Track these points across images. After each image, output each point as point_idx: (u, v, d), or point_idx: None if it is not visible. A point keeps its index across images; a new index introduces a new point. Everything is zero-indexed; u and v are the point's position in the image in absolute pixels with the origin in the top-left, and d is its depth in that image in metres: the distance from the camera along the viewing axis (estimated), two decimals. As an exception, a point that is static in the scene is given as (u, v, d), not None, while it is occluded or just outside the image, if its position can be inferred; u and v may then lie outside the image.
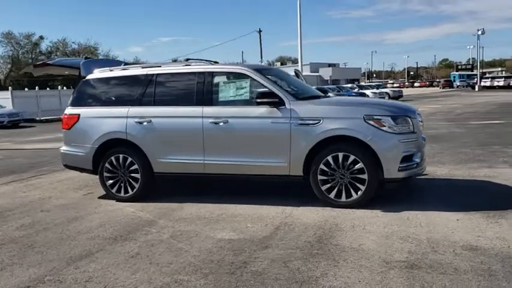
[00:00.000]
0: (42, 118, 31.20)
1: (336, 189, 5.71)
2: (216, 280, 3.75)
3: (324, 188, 5.75)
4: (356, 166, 5.58)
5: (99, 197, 6.97)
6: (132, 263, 4.22)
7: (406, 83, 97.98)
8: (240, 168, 6.10)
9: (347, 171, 5.63)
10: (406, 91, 53.27)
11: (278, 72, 6.73)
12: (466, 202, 5.71)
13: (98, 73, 6.97)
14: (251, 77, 6.13)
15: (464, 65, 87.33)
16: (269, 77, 6.21)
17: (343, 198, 5.69)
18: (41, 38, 65.77)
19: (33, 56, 63.71)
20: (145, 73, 6.63)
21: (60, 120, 7.69)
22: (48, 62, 7.20)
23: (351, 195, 5.65)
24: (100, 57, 66.43)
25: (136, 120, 6.43)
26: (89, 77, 6.94)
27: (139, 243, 4.75)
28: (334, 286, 3.55)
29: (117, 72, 6.90)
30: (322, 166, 5.71)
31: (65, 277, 3.96)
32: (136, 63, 7.53)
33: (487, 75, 67.94)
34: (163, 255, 4.39)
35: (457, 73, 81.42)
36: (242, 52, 74.83)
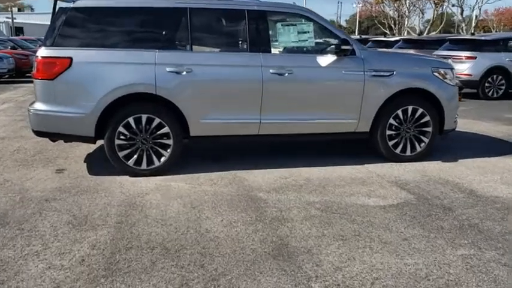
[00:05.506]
0: None
1: (401, 144, 5.59)
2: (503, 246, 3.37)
3: (390, 143, 5.56)
4: (423, 119, 5.56)
5: (91, 174, 5.08)
6: (375, 247, 3.36)
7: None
8: (303, 127, 5.35)
9: (412, 125, 5.57)
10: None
11: None
12: (481, 149, 6.39)
13: (94, 0, 4.85)
14: (314, 20, 5.32)
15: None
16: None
17: (408, 152, 5.63)
18: None
19: None
20: (172, 6, 4.97)
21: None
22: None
23: (415, 149, 5.64)
24: None
25: (170, 68, 4.82)
26: (81, 4, 4.72)
27: (309, 223, 3.77)
28: None
29: (128, 1, 4.96)
30: (391, 120, 5.50)
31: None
32: None
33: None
34: (373, 231, 3.64)
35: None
36: None
